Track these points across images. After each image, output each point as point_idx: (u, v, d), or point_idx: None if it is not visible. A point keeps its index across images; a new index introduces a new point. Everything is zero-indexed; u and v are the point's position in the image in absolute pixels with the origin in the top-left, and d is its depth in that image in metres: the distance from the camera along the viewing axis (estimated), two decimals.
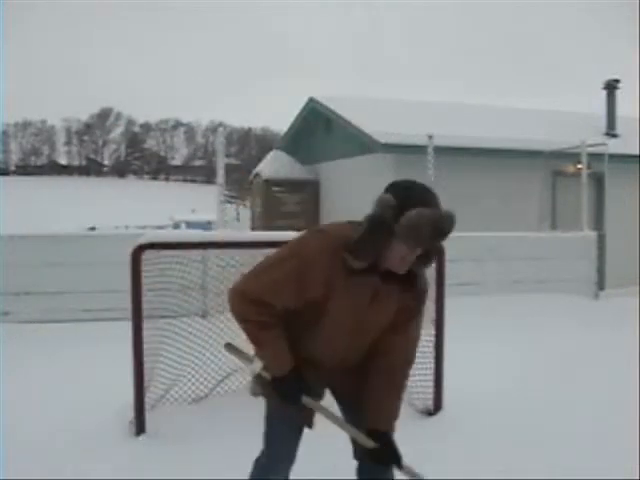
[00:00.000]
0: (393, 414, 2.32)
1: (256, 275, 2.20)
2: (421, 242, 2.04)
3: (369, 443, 2.24)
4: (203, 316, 4.96)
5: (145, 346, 3.81)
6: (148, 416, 3.84)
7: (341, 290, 2.13)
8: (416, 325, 2.33)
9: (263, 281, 2.16)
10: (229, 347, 2.42)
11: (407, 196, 2.05)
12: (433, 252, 2.19)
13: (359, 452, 2.39)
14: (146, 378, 3.85)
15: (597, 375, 5.17)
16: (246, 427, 3.38)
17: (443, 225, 2.04)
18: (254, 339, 2.22)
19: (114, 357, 4.41)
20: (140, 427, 3.79)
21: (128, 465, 3.44)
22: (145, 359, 3.82)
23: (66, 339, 6.21)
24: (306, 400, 2.24)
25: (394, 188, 2.10)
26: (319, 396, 2.40)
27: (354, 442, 2.40)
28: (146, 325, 3.82)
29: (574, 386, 4.89)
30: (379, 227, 2.05)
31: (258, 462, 2.46)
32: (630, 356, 5.54)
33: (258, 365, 2.25)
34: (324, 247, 2.11)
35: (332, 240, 2.12)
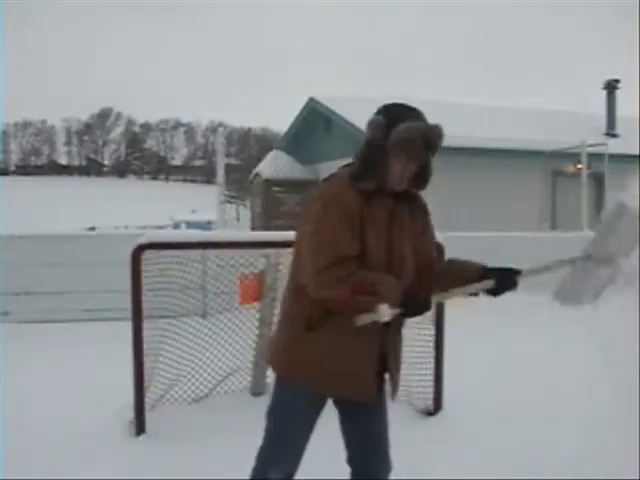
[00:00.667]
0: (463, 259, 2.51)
1: (316, 244, 2.14)
2: (413, 154, 2.17)
3: (489, 283, 2.32)
4: (203, 316, 4.97)
5: (145, 346, 3.82)
6: (148, 416, 3.84)
7: (368, 218, 2.19)
8: (431, 237, 2.49)
9: (326, 242, 2.11)
10: (359, 319, 2.19)
11: (394, 113, 2.19)
12: (428, 173, 2.28)
13: (353, 458, 2.42)
14: (146, 378, 3.86)
15: (598, 375, 5.17)
16: (246, 427, 3.38)
17: (432, 135, 2.19)
18: (362, 286, 2.09)
19: (114, 357, 4.41)
20: (140, 427, 3.79)
21: (128, 465, 3.44)
22: (145, 359, 3.82)
23: (66, 339, 6.22)
24: (434, 298, 2.25)
25: (383, 110, 2.23)
26: (375, 364, 2.29)
27: (348, 446, 2.42)
28: (146, 325, 3.82)
29: (574, 386, 4.89)
30: (374, 148, 2.18)
31: (261, 456, 2.41)
32: (630, 356, 5.53)
33: (384, 308, 2.07)
34: (340, 184, 2.21)
35: (342, 178, 2.23)
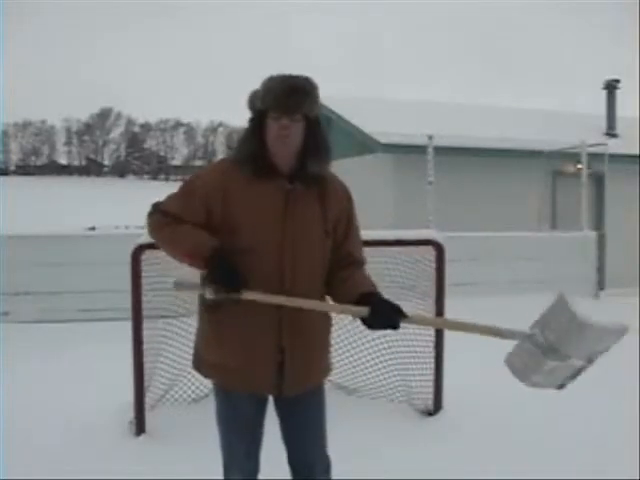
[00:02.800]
0: (371, 281, 2.24)
1: (168, 197, 2.30)
2: (277, 102, 2.10)
3: (363, 310, 2.04)
4: None
5: (145, 346, 3.82)
6: (148, 416, 3.84)
7: (244, 200, 2.14)
8: (356, 229, 2.34)
9: (171, 198, 2.26)
10: (177, 284, 2.39)
11: (267, 81, 2.16)
12: (319, 141, 2.19)
13: (290, 456, 2.35)
14: (146, 378, 3.85)
15: (597, 375, 5.16)
16: None
17: (294, 80, 2.14)
18: (171, 240, 2.19)
19: (114, 357, 4.41)
20: (140, 427, 3.79)
21: (128, 465, 3.44)
22: (145, 359, 3.82)
23: (66, 339, 6.21)
24: (246, 292, 2.07)
25: (261, 84, 2.19)
26: (271, 355, 2.17)
27: (285, 444, 2.34)
28: (146, 325, 3.82)
29: (574, 386, 4.88)
30: (254, 120, 2.18)
31: (223, 460, 2.36)
32: (630, 356, 5.53)
33: (210, 290, 2.10)
34: (216, 167, 2.31)
35: (224, 160, 2.33)
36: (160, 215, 2.23)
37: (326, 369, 2.38)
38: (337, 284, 2.23)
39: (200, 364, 2.34)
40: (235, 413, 2.28)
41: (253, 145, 2.15)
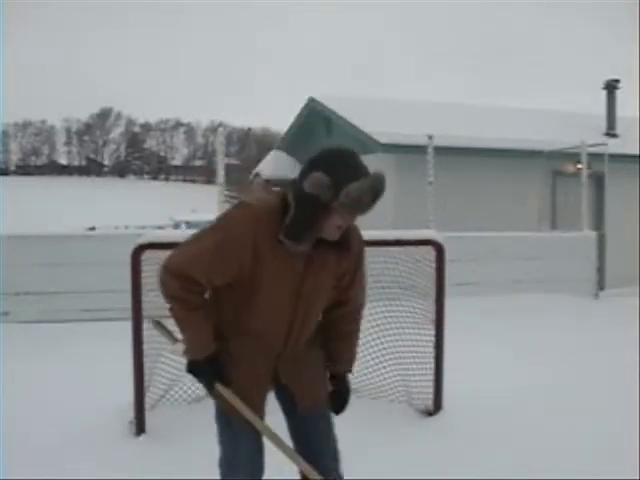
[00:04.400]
0: (354, 356, 2.50)
1: (181, 249, 2.21)
2: (363, 211, 2.07)
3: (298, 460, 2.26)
4: None
5: (145, 346, 3.81)
6: (148, 416, 3.84)
7: (270, 260, 2.12)
8: (362, 276, 2.40)
9: (187, 254, 2.17)
10: (157, 324, 2.43)
11: (341, 172, 2.02)
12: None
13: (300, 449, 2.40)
14: (146, 378, 3.85)
15: (597, 375, 5.17)
16: None
17: (380, 189, 2.07)
18: (177, 318, 2.22)
19: (114, 357, 4.41)
20: (140, 427, 3.79)
21: (128, 465, 3.44)
22: (145, 359, 3.82)
23: (66, 339, 6.21)
24: (220, 387, 2.23)
25: (323, 164, 2.05)
26: (264, 385, 2.33)
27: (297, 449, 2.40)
28: (146, 325, 3.82)
29: (574, 386, 4.88)
30: (315, 208, 2.04)
31: (222, 466, 2.39)
32: (630, 356, 5.53)
33: (179, 347, 2.26)
34: (247, 218, 2.11)
35: (256, 210, 2.12)
36: (180, 282, 2.14)
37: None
38: (329, 337, 2.42)
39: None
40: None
41: (312, 232, 2.09)
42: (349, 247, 2.23)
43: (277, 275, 2.14)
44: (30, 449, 3.62)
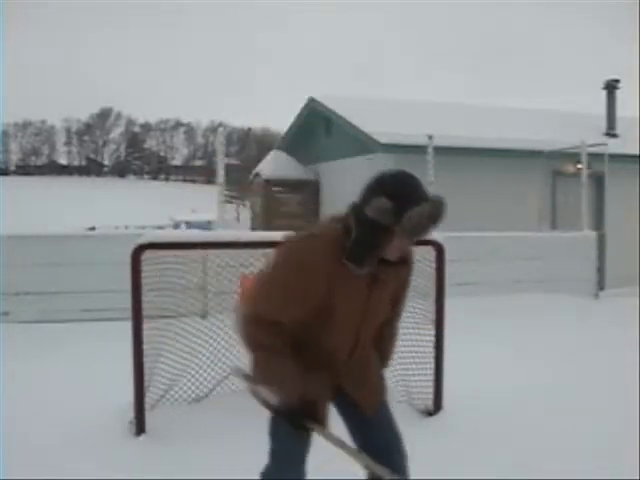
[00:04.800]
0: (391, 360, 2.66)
1: (264, 295, 2.19)
2: (422, 235, 2.12)
3: (384, 473, 2.23)
4: (203, 316, 4.96)
5: (145, 346, 3.81)
6: (148, 416, 3.84)
7: (342, 286, 2.17)
8: (409, 287, 2.51)
9: (264, 298, 2.18)
10: (237, 371, 2.37)
11: (403, 197, 2.07)
12: None
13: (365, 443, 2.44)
14: (146, 378, 3.85)
15: (597, 375, 5.17)
16: (246, 427, 3.38)
17: (439, 213, 2.12)
18: (265, 366, 2.19)
19: (114, 357, 4.41)
20: (140, 427, 3.79)
21: (128, 465, 3.44)
22: (145, 359, 3.82)
23: (66, 339, 6.22)
24: (312, 426, 2.26)
25: (386, 189, 2.10)
26: (329, 397, 2.40)
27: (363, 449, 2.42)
28: (146, 325, 3.82)
29: (574, 386, 4.89)
30: (377, 232, 2.09)
31: (266, 474, 2.41)
32: (630, 356, 5.53)
33: (265, 392, 2.23)
34: (319, 251, 2.14)
35: (325, 242, 2.16)
36: (265, 328, 2.15)
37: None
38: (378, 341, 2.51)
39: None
40: (293, 443, 2.35)
41: (374, 256, 2.15)
42: (407, 262, 2.34)
43: (346, 296, 2.20)
44: (30, 449, 3.62)
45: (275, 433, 2.38)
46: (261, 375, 2.22)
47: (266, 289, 2.19)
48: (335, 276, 2.15)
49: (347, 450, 2.27)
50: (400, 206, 2.04)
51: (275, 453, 2.39)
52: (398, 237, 2.11)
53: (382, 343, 2.53)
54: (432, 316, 4.31)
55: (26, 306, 7.09)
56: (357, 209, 2.14)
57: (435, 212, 2.09)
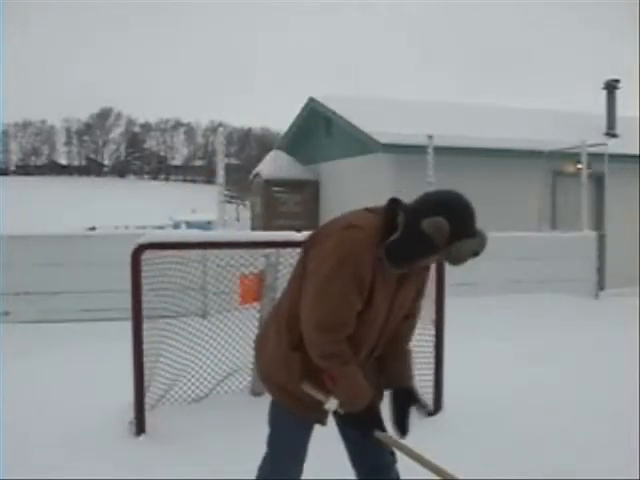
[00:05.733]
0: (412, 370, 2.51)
1: (320, 300, 2.15)
2: (458, 264, 2.17)
3: (447, 474, 2.28)
4: (203, 316, 4.97)
5: (145, 346, 3.81)
6: (148, 416, 3.84)
7: (379, 280, 2.18)
8: (427, 284, 2.51)
9: (332, 302, 2.14)
10: (306, 385, 2.29)
11: (461, 225, 2.12)
12: None
13: (357, 460, 2.47)
14: (146, 378, 3.86)
15: (597, 375, 5.17)
16: (246, 427, 3.39)
17: (481, 250, 2.20)
18: (335, 376, 2.19)
19: (114, 357, 4.41)
20: (140, 427, 3.79)
21: (128, 465, 3.44)
22: (145, 359, 3.82)
23: (66, 339, 6.22)
24: (379, 433, 2.25)
25: (448, 209, 2.12)
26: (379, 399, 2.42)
27: (350, 451, 2.44)
28: (146, 325, 3.82)
29: (574, 386, 4.89)
30: (426, 248, 2.12)
31: (264, 468, 2.41)
32: (630, 356, 5.53)
33: (334, 403, 2.21)
34: (366, 241, 2.15)
35: (369, 233, 2.16)
36: (331, 334, 2.15)
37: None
38: (393, 353, 2.44)
39: (274, 388, 2.36)
40: (294, 435, 2.35)
41: (413, 265, 2.20)
42: (428, 267, 2.43)
43: (381, 290, 2.21)
44: (30, 449, 3.62)
45: (276, 421, 2.37)
46: (342, 390, 2.20)
47: (319, 293, 2.15)
48: (374, 269, 2.15)
49: (413, 455, 2.33)
50: (455, 233, 2.08)
51: (274, 441, 2.38)
52: (438, 256, 2.16)
53: (402, 334, 2.47)
54: (432, 316, 4.31)
55: (26, 306, 7.09)
56: (411, 215, 2.14)
57: (479, 249, 2.17)
